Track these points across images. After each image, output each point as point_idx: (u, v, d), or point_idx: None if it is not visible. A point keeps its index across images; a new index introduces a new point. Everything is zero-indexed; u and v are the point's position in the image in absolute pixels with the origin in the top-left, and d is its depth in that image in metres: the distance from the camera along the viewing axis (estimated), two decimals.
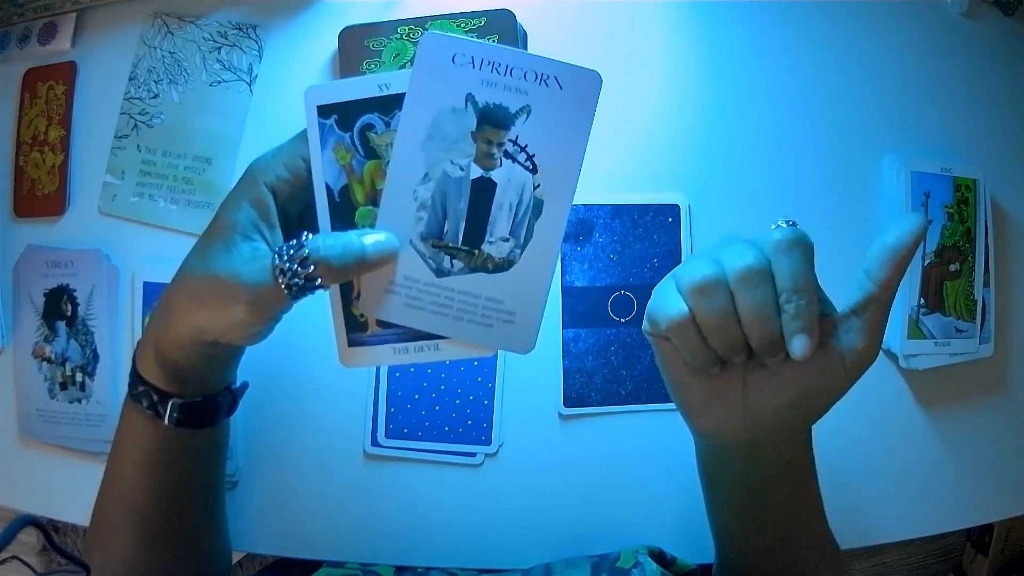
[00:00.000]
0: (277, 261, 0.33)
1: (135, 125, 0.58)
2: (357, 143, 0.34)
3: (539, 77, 0.32)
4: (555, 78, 0.32)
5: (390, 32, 0.53)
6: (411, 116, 0.33)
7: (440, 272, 0.34)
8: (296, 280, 0.33)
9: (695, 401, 0.37)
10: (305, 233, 0.34)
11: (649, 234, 0.54)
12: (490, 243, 0.34)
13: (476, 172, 0.34)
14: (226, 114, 0.57)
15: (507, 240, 0.34)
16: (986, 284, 0.57)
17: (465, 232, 0.34)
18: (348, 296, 0.36)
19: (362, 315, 0.36)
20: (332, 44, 0.55)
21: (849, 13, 0.57)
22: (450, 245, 0.34)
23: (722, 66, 0.56)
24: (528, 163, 0.33)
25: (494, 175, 0.34)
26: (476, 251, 0.34)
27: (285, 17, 0.57)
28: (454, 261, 0.34)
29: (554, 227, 0.34)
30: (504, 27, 0.52)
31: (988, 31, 0.59)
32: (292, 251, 0.33)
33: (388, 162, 0.34)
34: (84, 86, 0.59)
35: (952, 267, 0.56)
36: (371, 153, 0.34)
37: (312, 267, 0.33)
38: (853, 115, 0.56)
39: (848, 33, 0.57)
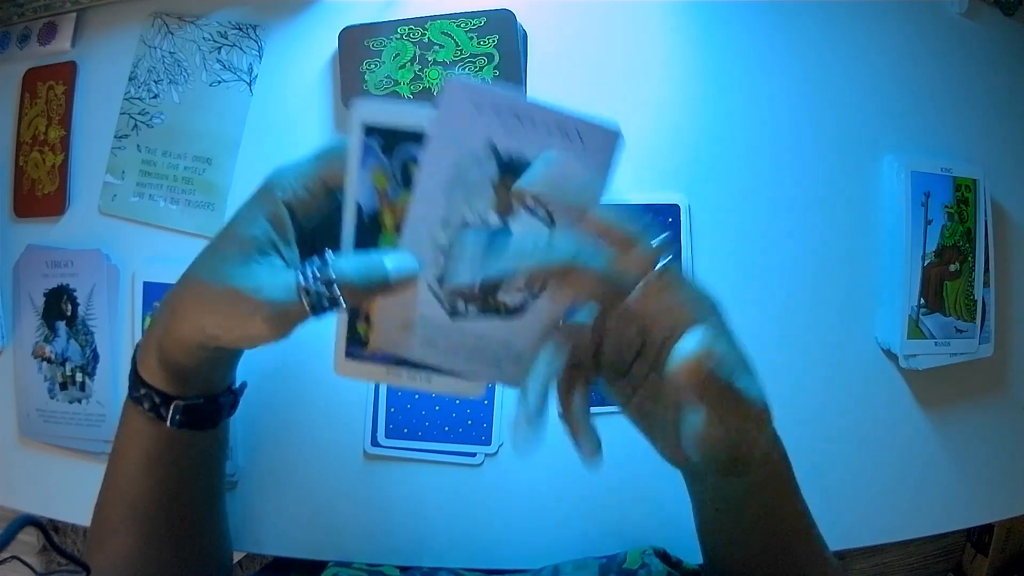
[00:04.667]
0: (302, 281, 0.33)
1: (135, 125, 0.58)
2: (398, 173, 0.34)
3: (561, 130, 0.32)
4: (577, 132, 0.32)
5: (390, 32, 0.53)
6: (433, 160, 0.33)
7: (455, 314, 0.35)
8: (321, 301, 0.33)
9: (640, 423, 0.37)
10: (328, 253, 0.34)
11: None
12: (504, 290, 0.35)
13: (495, 221, 0.34)
14: (226, 114, 0.57)
15: (521, 288, 0.35)
16: (986, 284, 0.57)
17: (480, 278, 0.35)
18: (355, 311, 0.36)
19: (365, 332, 0.36)
20: (332, 44, 0.55)
21: (849, 13, 0.57)
22: (465, 290, 0.35)
23: (722, 66, 0.56)
24: (546, 215, 0.33)
25: (512, 225, 0.34)
26: (491, 297, 0.35)
27: (285, 17, 0.57)
28: (468, 305, 0.35)
29: None
30: (504, 27, 0.52)
31: (988, 31, 0.59)
32: (318, 271, 0.33)
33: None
34: (84, 86, 0.59)
35: (952, 267, 0.56)
36: (409, 184, 0.34)
37: (337, 288, 0.33)
38: (853, 115, 0.56)
39: (848, 33, 0.57)
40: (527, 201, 0.33)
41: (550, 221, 0.33)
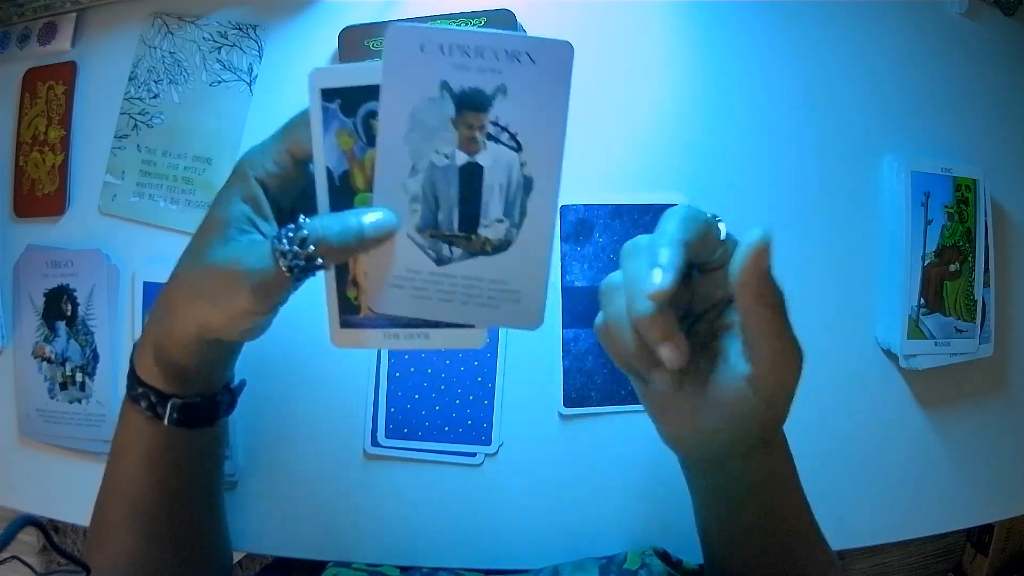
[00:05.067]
0: (277, 244, 0.33)
1: (135, 125, 0.58)
2: (360, 130, 0.34)
3: (510, 54, 0.32)
4: (526, 53, 0.32)
5: None
6: (389, 110, 0.33)
7: (441, 260, 0.35)
8: (297, 261, 0.33)
9: (653, 409, 0.36)
10: (302, 216, 0.34)
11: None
12: (485, 226, 0.34)
13: (462, 158, 0.34)
14: (226, 114, 0.57)
15: (502, 221, 0.34)
16: (986, 284, 0.57)
17: (460, 218, 0.34)
18: (343, 277, 0.36)
19: (356, 298, 0.36)
20: (332, 44, 0.55)
21: (849, 13, 0.57)
22: (447, 233, 0.34)
23: (722, 66, 0.56)
24: (512, 142, 0.33)
25: (480, 159, 0.34)
26: (473, 236, 0.34)
27: (285, 17, 0.57)
28: (453, 248, 0.34)
29: (547, 202, 0.34)
30: (504, 27, 0.52)
31: (988, 31, 0.59)
32: (291, 233, 0.33)
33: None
34: (84, 86, 0.59)
35: (952, 267, 0.56)
36: (374, 140, 0.34)
37: (312, 247, 0.33)
38: (853, 115, 0.56)
39: (848, 33, 0.57)
40: (490, 130, 0.33)
41: (517, 146, 0.33)
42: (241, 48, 0.57)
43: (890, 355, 0.56)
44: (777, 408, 0.34)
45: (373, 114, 0.34)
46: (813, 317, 0.55)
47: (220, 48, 0.57)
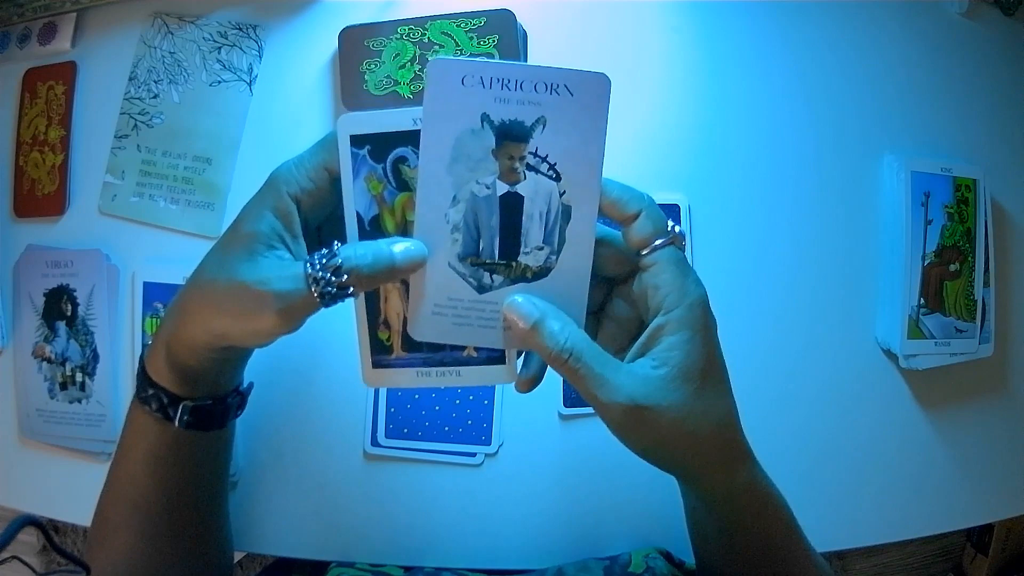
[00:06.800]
0: (310, 270, 0.33)
1: (135, 125, 0.58)
2: (390, 175, 0.35)
3: (549, 87, 0.33)
4: (565, 86, 0.33)
5: (390, 32, 0.53)
6: (431, 142, 0.34)
7: (482, 288, 0.35)
8: (329, 288, 0.33)
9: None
10: (335, 242, 0.34)
11: None
12: (526, 254, 0.35)
13: (502, 188, 0.35)
14: (226, 114, 0.57)
15: (542, 248, 0.35)
16: (986, 284, 0.57)
17: (500, 247, 0.35)
18: (374, 319, 0.37)
19: (388, 339, 0.37)
20: (332, 44, 0.55)
21: (849, 13, 0.57)
22: (488, 261, 0.35)
23: (722, 66, 0.56)
24: (551, 172, 0.34)
25: (520, 189, 0.35)
26: (514, 263, 0.35)
27: (285, 17, 0.57)
28: (494, 276, 0.35)
29: (585, 228, 0.35)
30: (504, 27, 0.52)
31: (988, 31, 0.59)
32: (325, 260, 0.33)
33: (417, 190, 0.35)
34: (84, 86, 0.59)
35: (952, 267, 0.56)
36: (403, 185, 0.35)
37: (345, 276, 0.33)
38: (853, 115, 0.56)
39: (848, 33, 0.57)
40: (529, 160, 0.34)
41: (556, 176, 0.34)
42: (241, 48, 0.57)
43: (890, 355, 0.56)
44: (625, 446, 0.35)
45: (402, 159, 0.35)
46: (813, 317, 0.55)
47: (220, 48, 0.57)
